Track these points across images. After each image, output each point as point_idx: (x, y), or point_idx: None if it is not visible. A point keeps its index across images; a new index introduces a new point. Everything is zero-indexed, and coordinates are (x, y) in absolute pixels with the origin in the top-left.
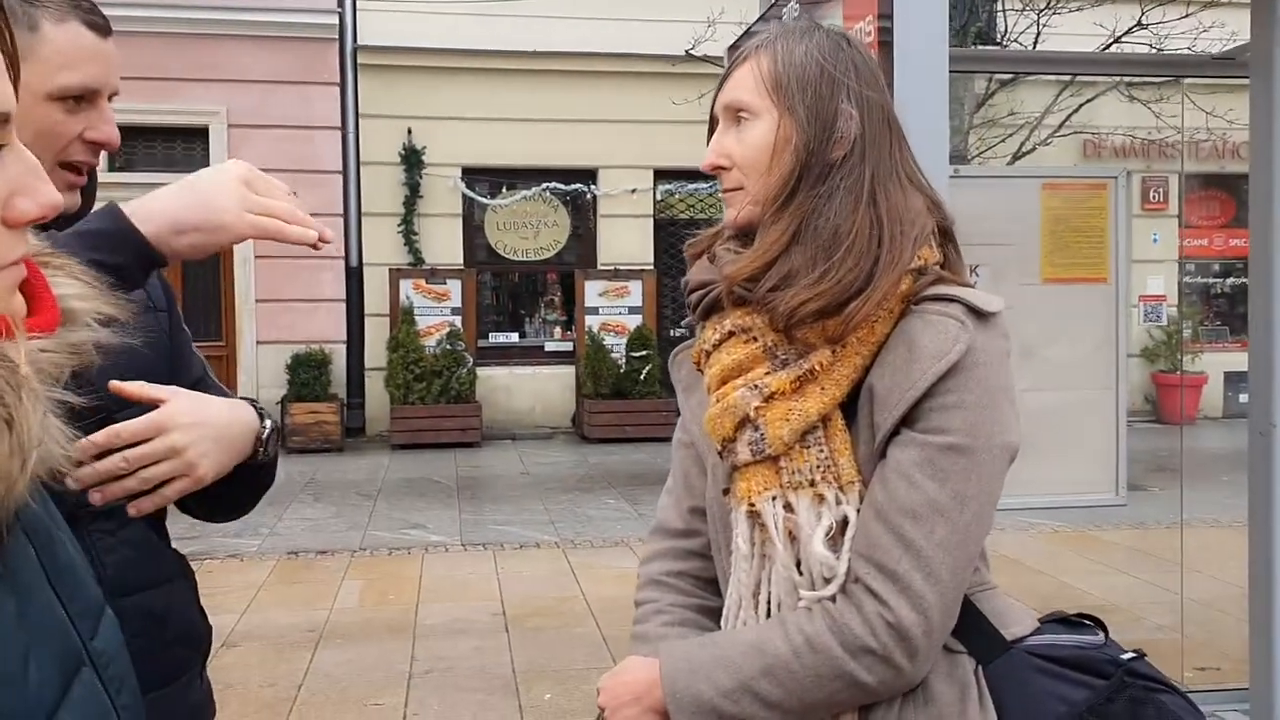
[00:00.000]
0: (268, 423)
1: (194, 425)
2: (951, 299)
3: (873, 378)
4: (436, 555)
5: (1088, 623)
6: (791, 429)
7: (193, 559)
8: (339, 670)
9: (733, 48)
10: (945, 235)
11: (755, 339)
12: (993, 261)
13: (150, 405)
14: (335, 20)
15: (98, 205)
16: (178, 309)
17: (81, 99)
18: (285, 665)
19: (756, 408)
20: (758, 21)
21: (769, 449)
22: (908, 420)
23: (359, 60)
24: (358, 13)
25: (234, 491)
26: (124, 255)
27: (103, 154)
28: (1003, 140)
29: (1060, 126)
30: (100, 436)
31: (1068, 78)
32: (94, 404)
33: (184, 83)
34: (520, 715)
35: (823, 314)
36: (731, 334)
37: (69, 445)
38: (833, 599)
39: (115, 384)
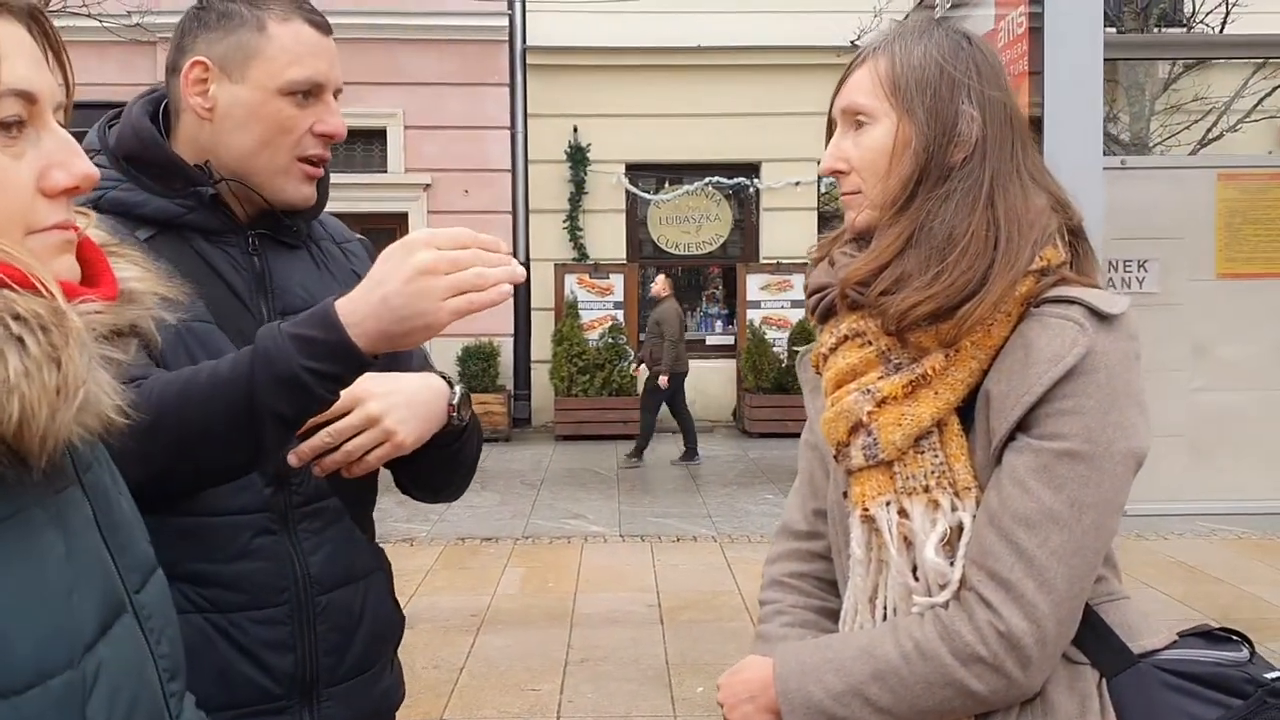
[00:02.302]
0: (457, 389)
1: (386, 394)
2: (1072, 300)
3: (989, 382)
4: (595, 545)
5: (1234, 638)
6: (904, 434)
7: None
8: (499, 655)
9: None
10: (1074, 234)
11: (869, 343)
12: (1162, 256)
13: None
14: (505, 22)
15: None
16: None
17: (309, 94)
18: (449, 648)
19: (869, 412)
20: (914, 10)
21: (881, 454)
22: (1024, 426)
23: (528, 61)
24: (527, 14)
25: (441, 466)
26: (343, 367)
27: None
28: (1187, 127)
29: (1251, 111)
30: None
31: (1260, 59)
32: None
33: (363, 86)
34: (672, 707)
35: (935, 317)
36: (846, 338)
37: (118, 398)
38: (945, 606)
39: None
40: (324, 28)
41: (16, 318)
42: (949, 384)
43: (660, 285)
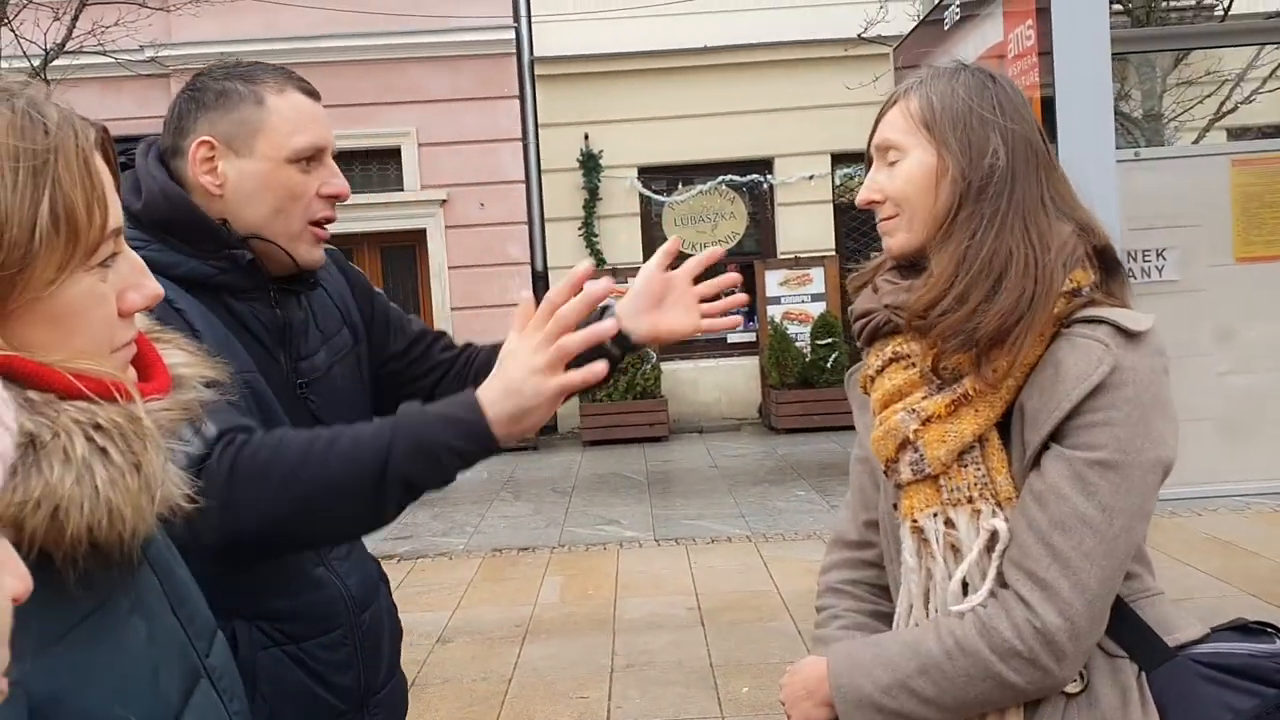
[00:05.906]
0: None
1: None
2: (1100, 320)
3: (1024, 398)
4: (631, 550)
5: (1268, 630)
6: (948, 449)
7: (406, 558)
8: (545, 664)
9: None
10: (1101, 254)
11: (913, 365)
12: (1181, 244)
13: None
14: (512, 35)
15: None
16: (380, 304)
17: (312, 159)
18: (496, 660)
19: (915, 430)
20: (933, 11)
21: (928, 469)
22: (1057, 437)
23: (536, 71)
24: (533, 25)
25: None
26: (477, 447)
27: None
28: (1200, 101)
29: (1266, 80)
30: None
31: (1261, 43)
32: (203, 452)
33: (376, 107)
34: (719, 708)
35: (994, 340)
36: (892, 360)
37: (184, 485)
38: (985, 605)
39: None
40: (315, 95)
41: (98, 428)
42: (989, 401)
43: None
